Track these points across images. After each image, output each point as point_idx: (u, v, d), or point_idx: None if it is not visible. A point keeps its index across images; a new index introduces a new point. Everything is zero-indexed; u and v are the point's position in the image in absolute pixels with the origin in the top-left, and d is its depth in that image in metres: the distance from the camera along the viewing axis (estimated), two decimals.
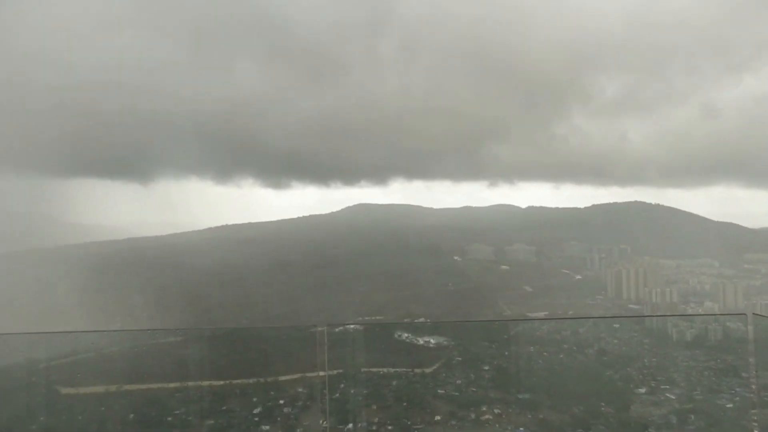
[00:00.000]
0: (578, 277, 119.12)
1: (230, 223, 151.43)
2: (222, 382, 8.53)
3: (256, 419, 8.20)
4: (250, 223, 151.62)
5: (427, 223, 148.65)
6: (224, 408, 8.34)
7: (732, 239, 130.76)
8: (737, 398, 8.11)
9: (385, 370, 9.10)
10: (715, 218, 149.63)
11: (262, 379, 8.79)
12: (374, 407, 8.52)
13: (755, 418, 6.16)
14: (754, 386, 6.07)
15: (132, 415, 8.23)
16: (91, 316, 70.15)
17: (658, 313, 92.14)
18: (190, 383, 8.17)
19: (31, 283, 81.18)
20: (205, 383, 8.26)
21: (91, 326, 68.04)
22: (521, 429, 8.21)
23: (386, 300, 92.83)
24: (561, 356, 9.83)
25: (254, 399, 8.54)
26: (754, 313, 5.34)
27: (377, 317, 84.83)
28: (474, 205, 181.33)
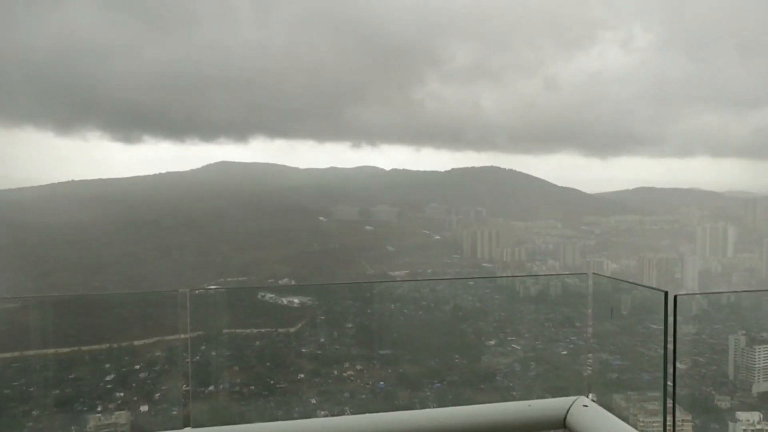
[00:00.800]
0: (437, 237, 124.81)
1: (77, 178, 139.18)
2: (69, 350, 7.93)
3: (109, 386, 7.76)
4: (99, 179, 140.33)
5: (292, 183, 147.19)
6: (72, 376, 7.79)
7: (572, 203, 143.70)
8: (571, 346, 9.04)
9: (248, 331, 8.99)
10: (558, 183, 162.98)
11: (115, 345, 8.30)
12: (236, 368, 8.41)
13: (589, 362, 6.90)
14: (590, 334, 6.78)
15: None
16: None
17: (508, 271, 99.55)
18: (31, 352, 7.51)
19: None
20: (50, 351, 7.64)
21: None
22: (381, 383, 8.55)
23: (249, 261, 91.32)
24: (420, 313, 10.29)
25: (107, 365, 8.06)
26: (594, 273, 5.93)
27: (240, 278, 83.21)
28: (340, 166, 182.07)
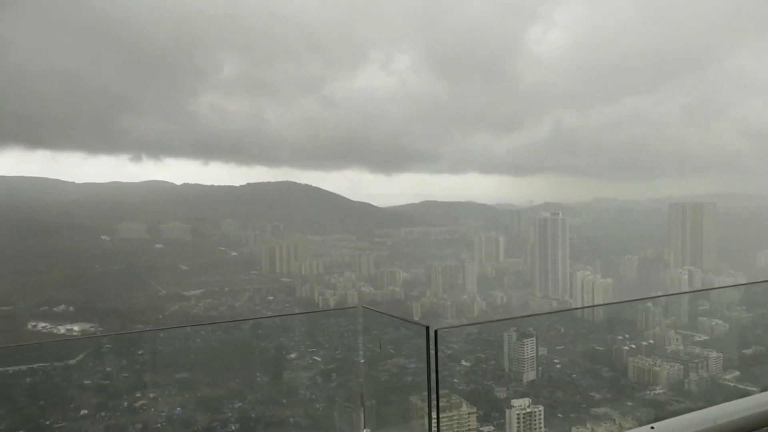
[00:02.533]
0: (234, 253, 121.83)
1: None
2: None
3: None
4: None
5: (66, 199, 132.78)
6: None
7: (366, 216, 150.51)
8: (369, 353, 9.41)
9: (15, 368, 7.87)
10: (352, 198, 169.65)
11: None
12: (1, 411, 7.31)
13: (387, 368, 7.31)
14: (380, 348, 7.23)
15: None
16: None
17: (307, 285, 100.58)
18: None
19: None
20: None
21: None
22: (178, 409, 8.06)
23: (15, 287, 79.92)
24: (218, 333, 9.95)
25: None
26: (363, 306, 6.43)
27: (3, 308, 72.50)
28: (124, 180, 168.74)
